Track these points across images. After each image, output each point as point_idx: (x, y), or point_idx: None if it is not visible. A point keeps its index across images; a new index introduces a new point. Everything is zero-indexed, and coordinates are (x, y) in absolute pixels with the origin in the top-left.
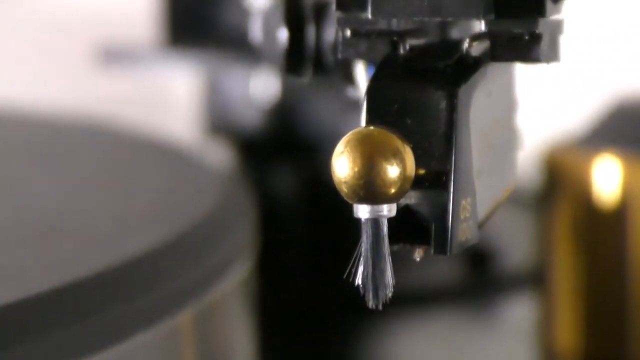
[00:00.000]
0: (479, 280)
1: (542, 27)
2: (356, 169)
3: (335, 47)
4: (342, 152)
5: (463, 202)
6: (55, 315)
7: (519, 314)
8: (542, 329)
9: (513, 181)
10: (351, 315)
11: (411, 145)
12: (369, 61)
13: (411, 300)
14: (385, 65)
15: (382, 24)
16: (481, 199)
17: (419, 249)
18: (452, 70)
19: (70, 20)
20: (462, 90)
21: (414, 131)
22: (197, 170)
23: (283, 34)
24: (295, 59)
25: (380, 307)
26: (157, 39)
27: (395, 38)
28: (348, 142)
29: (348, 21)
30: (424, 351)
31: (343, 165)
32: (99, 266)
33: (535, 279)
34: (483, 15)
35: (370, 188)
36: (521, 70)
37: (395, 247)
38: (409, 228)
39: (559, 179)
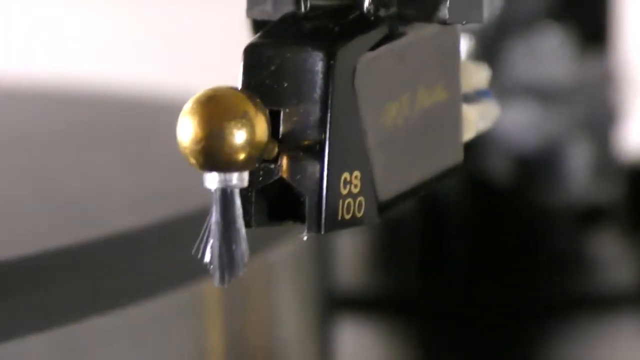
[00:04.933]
0: None
1: None
2: (195, 132)
3: None
4: (183, 114)
5: (345, 175)
6: (84, 266)
7: None
8: None
9: (454, 159)
10: (523, 319)
11: (277, 109)
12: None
13: (587, 305)
14: (276, 25)
15: None
16: (388, 174)
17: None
18: (341, 29)
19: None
20: (343, 51)
21: (291, 95)
22: None
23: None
24: None
25: (226, 285)
26: None
27: None
28: (191, 103)
29: None
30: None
31: (183, 128)
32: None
33: None
34: None
35: (211, 153)
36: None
37: (278, 224)
38: (287, 204)
39: None
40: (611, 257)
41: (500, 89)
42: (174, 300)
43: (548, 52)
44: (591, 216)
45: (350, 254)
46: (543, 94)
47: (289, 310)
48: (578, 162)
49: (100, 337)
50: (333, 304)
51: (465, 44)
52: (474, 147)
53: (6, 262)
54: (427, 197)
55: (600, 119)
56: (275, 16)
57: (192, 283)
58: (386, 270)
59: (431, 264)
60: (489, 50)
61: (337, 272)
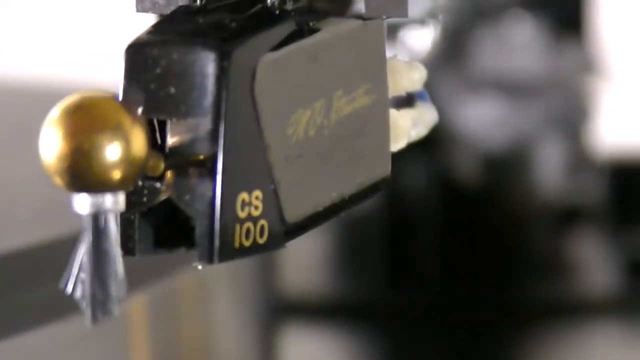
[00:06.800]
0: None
1: None
2: (59, 147)
3: None
4: (47, 125)
5: (243, 195)
6: None
7: None
8: None
9: (381, 172)
10: (496, 326)
11: (163, 119)
12: None
13: (564, 310)
14: (165, 20)
15: None
16: (298, 193)
17: None
18: (238, 25)
19: None
20: (240, 51)
21: (179, 103)
22: None
23: None
24: None
25: (99, 323)
26: None
27: None
28: (56, 111)
29: None
30: None
31: (46, 142)
32: None
33: None
34: None
35: (78, 172)
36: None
37: (167, 252)
38: (176, 229)
39: None
40: (589, 260)
41: (468, 83)
42: None
43: (519, 44)
44: (567, 217)
45: (303, 256)
46: (513, 88)
47: (226, 322)
48: (551, 161)
49: (21, 356)
50: (282, 312)
51: (429, 34)
52: (440, 146)
53: None
54: (391, 197)
55: (575, 114)
56: (168, 10)
57: None
58: (345, 273)
59: (394, 268)
60: (455, 41)
61: (286, 276)
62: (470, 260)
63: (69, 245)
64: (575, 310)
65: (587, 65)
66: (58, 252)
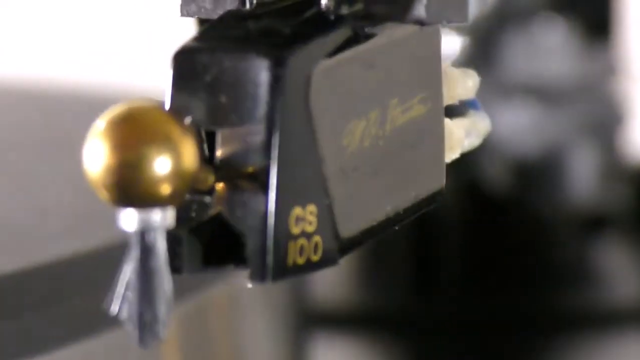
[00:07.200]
0: None
1: None
2: (106, 160)
3: None
4: (92, 137)
5: (297, 210)
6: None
7: None
8: None
9: (436, 184)
10: (523, 336)
11: (213, 129)
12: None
13: (591, 320)
14: (214, 25)
15: None
16: (353, 207)
17: None
18: (292, 30)
19: None
20: (295, 58)
21: (230, 113)
22: None
23: None
24: None
25: (149, 347)
26: None
27: None
28: (103, 122)
29: None
30: None
31: (92, 154)
32: None
33: None
34: None
35: (126, 186)
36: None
37: (216, 270)
38: (227, 244)
39: None
40: (618, 269)
41: (498, 88)
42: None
43: (549, 48)
44: (597, 225)
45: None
46: (544, 93)
47: (257, 336)
48: (582, 167)
49: None
50: (311, 323)
51: (457, 43)
52: (468, 152)
53: None
54: None
55: (606, 120)
56: (215, 14)
57: None
58: (371, 283)
59: (422, 277)
60: (484, 45)
61: (315, 286)
62: (497, 269)
63: (102, 258)
64: (604, 319)
65: (618, 70)
66: (90, 265)
